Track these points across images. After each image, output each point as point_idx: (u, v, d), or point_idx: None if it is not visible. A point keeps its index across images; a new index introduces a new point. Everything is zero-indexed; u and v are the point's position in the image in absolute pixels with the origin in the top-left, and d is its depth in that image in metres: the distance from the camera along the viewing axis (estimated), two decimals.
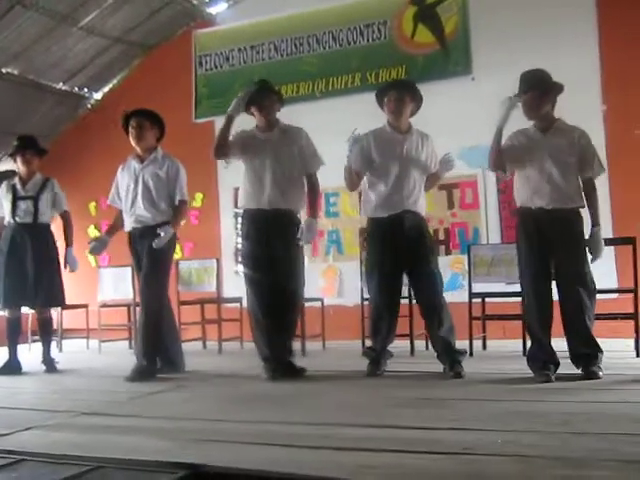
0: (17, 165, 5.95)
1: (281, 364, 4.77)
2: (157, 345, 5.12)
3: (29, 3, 7.68)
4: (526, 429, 2.81)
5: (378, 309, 4.83)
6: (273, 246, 4.78)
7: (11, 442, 2.91)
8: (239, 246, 8.62)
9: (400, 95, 4.76)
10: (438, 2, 8.02)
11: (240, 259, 5.08)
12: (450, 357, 4.61)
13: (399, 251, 4.69)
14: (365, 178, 4.87)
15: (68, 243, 5.96)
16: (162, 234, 5.00)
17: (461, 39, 7.87)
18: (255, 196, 4.83)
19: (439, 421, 3.03)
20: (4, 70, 8.57)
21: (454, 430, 2.83)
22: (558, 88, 4.40)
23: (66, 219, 6.03)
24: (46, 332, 5.94)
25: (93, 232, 9.31)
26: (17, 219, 5.78)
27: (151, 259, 5.08)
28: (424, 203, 4.87)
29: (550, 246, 4.31)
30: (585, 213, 4.37)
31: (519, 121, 4.43)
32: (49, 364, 5.80)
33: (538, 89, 4.33)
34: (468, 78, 7.75)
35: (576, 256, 4.29)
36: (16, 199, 5.80)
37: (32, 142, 5.97)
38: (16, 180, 5.89)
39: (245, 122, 4.97)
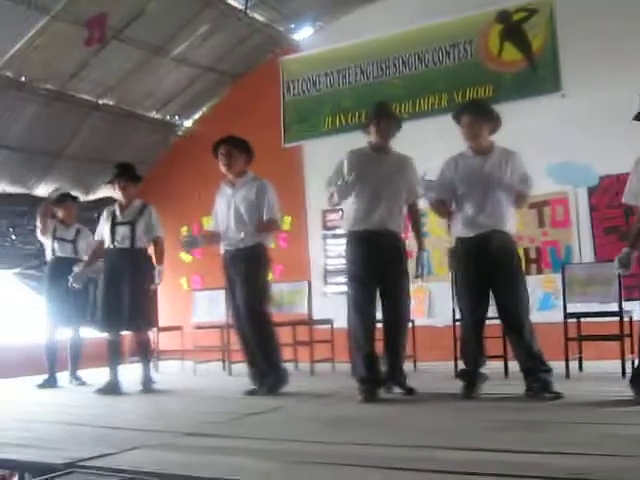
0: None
1: (377, 386, 4.78)
2: (278, 354, 5.35)
3: (124, 37, 7.99)
4: (632, 453, 2.73)
5: (466, 329, 4.84)
6: (381, 267, 4.82)
7: (118, 461, 3.03)
8: (328, 267, 8.81)
9: (473, 119, 4.76)
10: (524, 19, 7.94)
11: (345, 280, 5.16)
12: (537, 374, 4.55)
13: (485, 270, 4.67)
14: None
15: (159, 262, 6.13)
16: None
17: (549, 55, 7.74)
18: (365, 216, 4.86)
19: (540, 444, 2.98)
20: (101, 102, 8.93)
21: (560, 455, 2.77)
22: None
23: (157, 244, 6.17)
24: (145, 354, 6.13)
25: (186, 257, 9.54)
26: (116, 244, 5.99)
27: (246, 281, 5.23)
28: (513, 222, 4.83)
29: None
30: None
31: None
32: (148, 385, 5.98)
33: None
34: (557, 95, 7.60)
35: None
36: (115, 225, 6.03)
37: (126, 170, 6.16)
38: (116, 206, 6.13)
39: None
